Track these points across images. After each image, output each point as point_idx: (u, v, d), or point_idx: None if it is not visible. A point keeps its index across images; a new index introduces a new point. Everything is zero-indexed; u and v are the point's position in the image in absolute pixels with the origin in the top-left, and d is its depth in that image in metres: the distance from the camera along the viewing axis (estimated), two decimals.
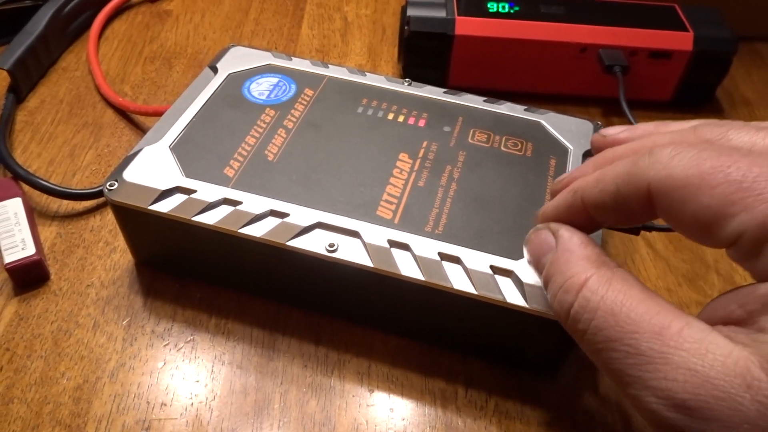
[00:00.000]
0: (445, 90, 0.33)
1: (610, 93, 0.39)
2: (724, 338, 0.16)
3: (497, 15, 0.39)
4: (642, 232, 0.27)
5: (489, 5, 0.39)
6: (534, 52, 0.39)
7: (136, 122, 0.38)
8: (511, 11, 0.39)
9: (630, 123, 0.36)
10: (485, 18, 0.39)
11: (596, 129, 0.31)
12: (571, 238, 0.20)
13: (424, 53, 0.39)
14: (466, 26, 0.38)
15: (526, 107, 0.32)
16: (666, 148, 0.18)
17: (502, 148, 0.29)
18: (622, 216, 0.20)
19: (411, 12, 0.39)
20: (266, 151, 0.28)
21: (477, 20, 0.38)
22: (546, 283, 0.21)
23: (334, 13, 0.49)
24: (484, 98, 0.32)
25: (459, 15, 0.38)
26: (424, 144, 0.29)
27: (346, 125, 0.30)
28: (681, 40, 0.38)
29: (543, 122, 0.31)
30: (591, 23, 0.38)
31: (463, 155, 0.29)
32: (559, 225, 0.21)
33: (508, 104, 0.32)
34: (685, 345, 0.16)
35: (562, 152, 0.30)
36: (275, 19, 0.48)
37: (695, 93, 0.41)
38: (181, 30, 0.46)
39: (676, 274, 0.31)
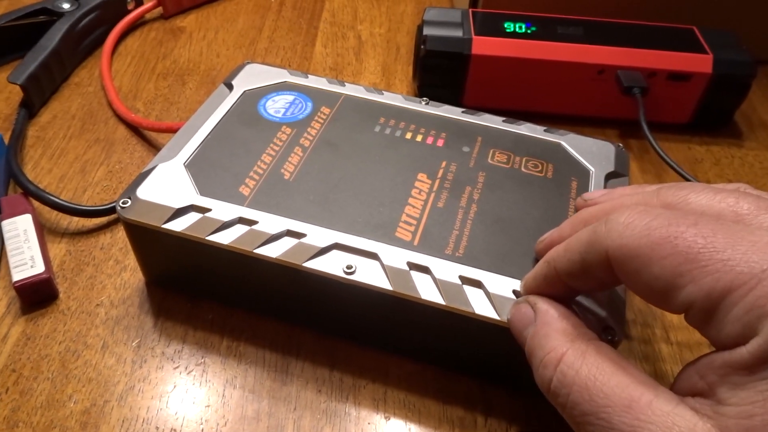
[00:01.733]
0: (464, 110, 0.32)
1: (628, 114, 0.39)
2: (690, 411, 0.16)
3: (514, 35, 0.38)
4: None
5: (506, 25, 0.39)
6: (551, 73, 0.38)
7: (148, 139, 0.38)
8: (528, 31, 0.39)
9: (651, 145, 0.36)
10: (502, 38, 0.38)
11: (618, 151, 0.30)
12: (548, 311, 0.21)
13: (440, 72, 0.39)
14: (483, 46, 0.38)
15: (545, 128, 0.31)
16: (622, 215, 0.18)
17: (523, 169, 0.29)
18: (591, 282, 0.20)
19: (427, 31, 0.38)
20: (282, 170, 0.28)
21: (493, 40, 0.38)
22: (529, 357, 0.21)
23: (348, 31, 0.48)
24: (503, 118, 0.32)
25: (475, 35, 0.38)
26: (443, 164, 0.29)
27: (363, 144, 0.30)
28: (700, 63, 0.38)
29: (563, 143, 0.30)
30: (609, 44, 0.38)
31: (483, 176, 0.28)
32: (537, 298, 0.22)
33: (528, 125, 0.32)
34: (653, 418, 0.17)
35: (583, 174, 0.29)
36: (289, 37, 0.47)
37: (713, 116, 0.40)
38: (195, 47, 0.46)
39: None
